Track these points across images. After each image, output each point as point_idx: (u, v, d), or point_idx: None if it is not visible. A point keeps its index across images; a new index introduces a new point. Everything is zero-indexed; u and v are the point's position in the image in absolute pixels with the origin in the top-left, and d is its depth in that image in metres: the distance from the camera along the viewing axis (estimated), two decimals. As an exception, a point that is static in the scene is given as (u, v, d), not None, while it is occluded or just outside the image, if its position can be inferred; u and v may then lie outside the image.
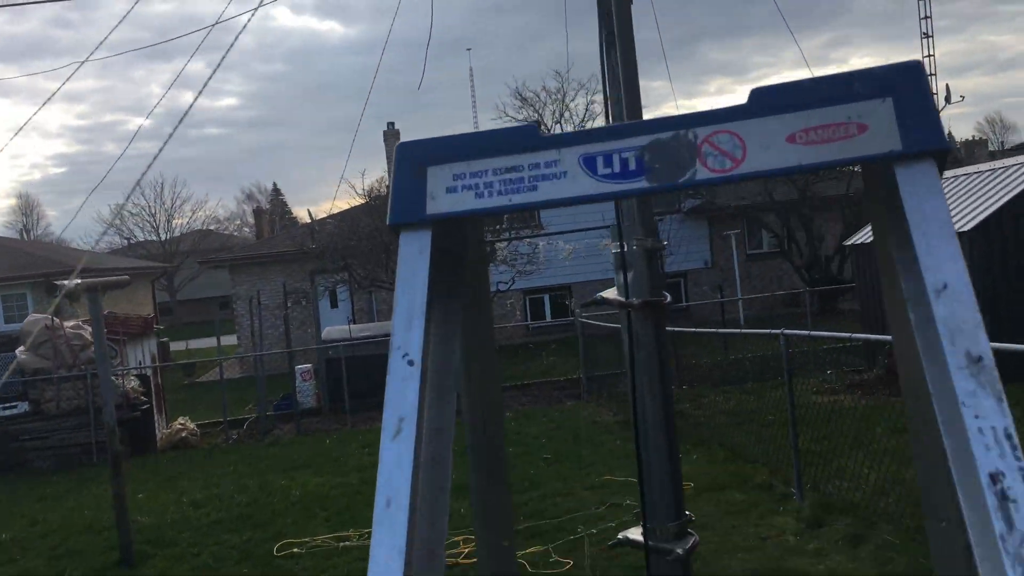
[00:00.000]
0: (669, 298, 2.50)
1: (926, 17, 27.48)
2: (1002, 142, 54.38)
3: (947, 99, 26.32)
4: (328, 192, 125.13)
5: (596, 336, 14.83)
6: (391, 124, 30.86)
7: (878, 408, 10.95)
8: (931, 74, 27.41)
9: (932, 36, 27.24)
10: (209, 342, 43.93)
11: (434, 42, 6.77)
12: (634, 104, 2.72)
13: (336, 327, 19.13)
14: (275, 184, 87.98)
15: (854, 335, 6.91)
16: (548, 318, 25.98)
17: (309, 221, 27.10)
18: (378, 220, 21.68)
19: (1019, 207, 11.30)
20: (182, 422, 15.88)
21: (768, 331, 7.23)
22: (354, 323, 25.18)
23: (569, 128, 45.11)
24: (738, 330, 8.80)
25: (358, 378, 16.30)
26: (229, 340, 31.08)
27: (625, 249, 2.30)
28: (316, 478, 10.88)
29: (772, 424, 10.16)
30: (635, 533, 2.73)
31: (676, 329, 11.16)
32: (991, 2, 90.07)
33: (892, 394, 11.72)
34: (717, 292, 21.79)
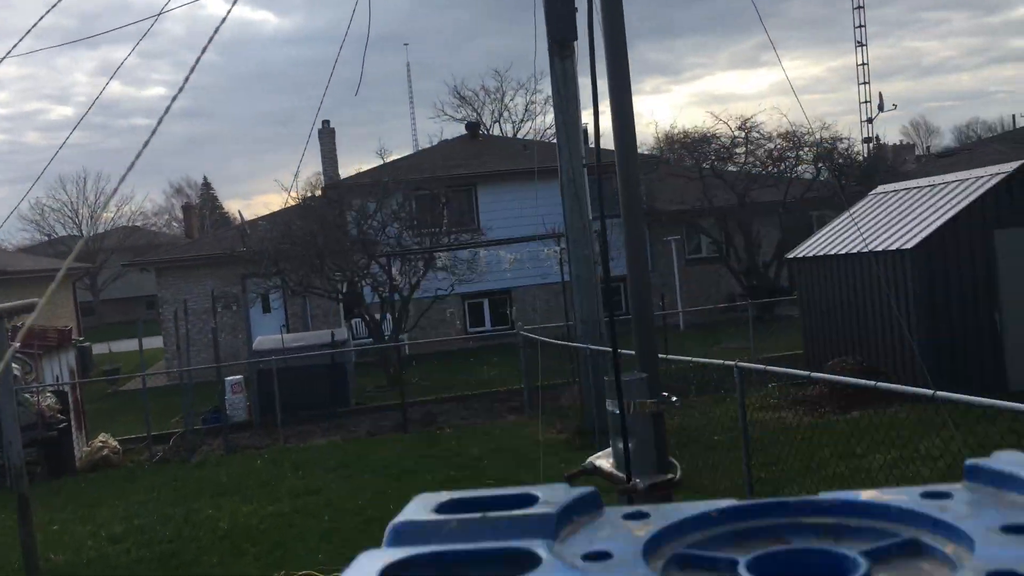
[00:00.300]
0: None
1: (861, 26, 27.96)
2: (927, 146, 55.78)
3: (880, 107, 26.78)
4: (260, 186, 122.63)
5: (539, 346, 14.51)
6: (326, 122, 30.10)
7: (823, 428, 10.87)
8: (864, 82, 27.84)
9: (866, 45, 27.69)
10: (135, 343, 42.45)
11: (371, 36, 6.36)
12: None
13: (268, 336, 18.47)
14: (205, 178, 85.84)
15: (814, 375, 6.67)
16: (488, 323, 25.59)
17: (240, 221, 26.22)
18: (312, 223, 21.03)
19: (958, 225, 11.33)
20: (103, 439, 15.07)
21: (722, 362, 6.98)
22: (288, 331, 24.46)
23: (509, 129, 44.68)
24: (690, 358, 8.51)
25: (291, 390, 15.71)
26: (156, 342, 29.83)
27: (625, 410, 1.85)
28: (245, 506, 10.31)
29: (718, 446, 9.95)
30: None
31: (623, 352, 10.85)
32: (916, 8, 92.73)
33: (834, 411, 11.67)
34: (659, 300, 21.69)
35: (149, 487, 11.99)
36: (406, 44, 77.12)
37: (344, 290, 21.15)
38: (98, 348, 41.12)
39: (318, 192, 25.23)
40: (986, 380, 11.38)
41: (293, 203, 24.75)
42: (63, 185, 48.52)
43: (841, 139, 23.44)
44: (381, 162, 28.27)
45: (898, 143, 50.08)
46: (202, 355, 23.45)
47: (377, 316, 20.25)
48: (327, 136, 29.74)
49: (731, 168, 24.49)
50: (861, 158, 23.16)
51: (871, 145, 25.78)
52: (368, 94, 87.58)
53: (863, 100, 26.62)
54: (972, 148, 31.52)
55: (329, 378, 16.83)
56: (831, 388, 12.12)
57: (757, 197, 23.86)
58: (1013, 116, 66.29)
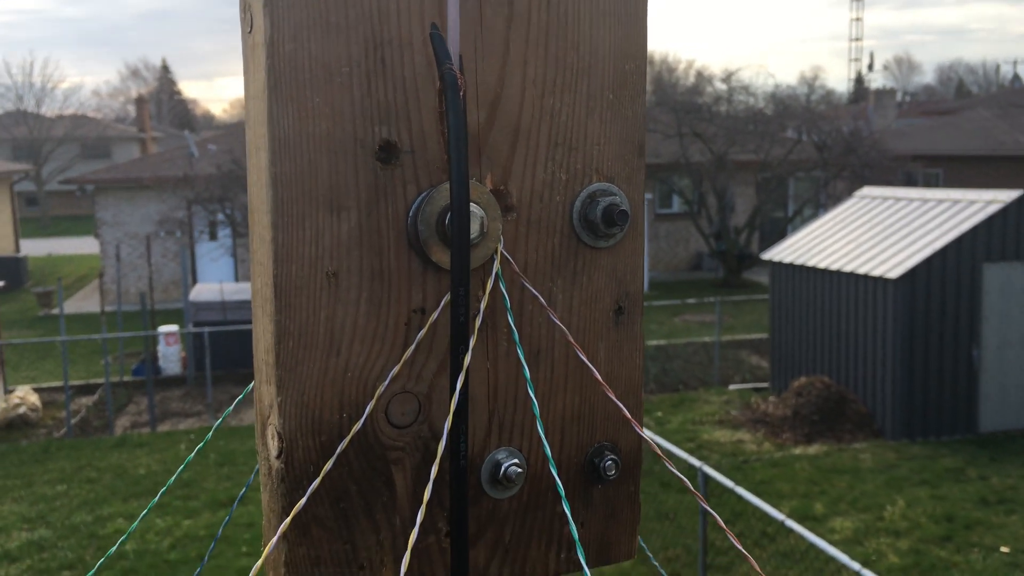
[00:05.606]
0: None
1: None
2: (906, 94, 54.46)
3: (870, 67, 25.72)
4: (223, 68, 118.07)
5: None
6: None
7: (783, 466, 10.27)
8: (857, 39, 26.63)
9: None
10: (80, 244, 40.71)
11: None
12: None
13: (207, 285, 17.33)
14: (164, 61, 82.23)
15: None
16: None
17: (189, 142, 24.64)
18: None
19: (946, 258, 10.56)
20: (20, 396, 14.07)
21: (688, 459, 6.17)
22: (236, 265, 23.33)
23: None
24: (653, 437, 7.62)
25: (228, 353, 14.76)
26: (95, 247, 28.08)
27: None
28: (160, 519, 9.51)
29: (668, 510, 9.33)
30: None
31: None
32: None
33: (799, 440, 11.06)
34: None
35: (60, 474, 11.10)
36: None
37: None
38: (42, 246, 39.46)
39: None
40: (958, 420, 10.85)
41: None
42: (8, 69, 45.64)
43: (825, 117, 22.41)
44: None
45: (881, 87, 48.95)
46: (143, 281, 22.30)
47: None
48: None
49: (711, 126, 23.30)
50: (845, 130, 22.12)
51: (856, 122, 24.66)
52: None
53: (853, 57, 25.41)
54: (958, 111, 30.58)
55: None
56: (794, 412, 11.50)
57: (735, 156, 22.84)
58: (997, 66, 65.29)
